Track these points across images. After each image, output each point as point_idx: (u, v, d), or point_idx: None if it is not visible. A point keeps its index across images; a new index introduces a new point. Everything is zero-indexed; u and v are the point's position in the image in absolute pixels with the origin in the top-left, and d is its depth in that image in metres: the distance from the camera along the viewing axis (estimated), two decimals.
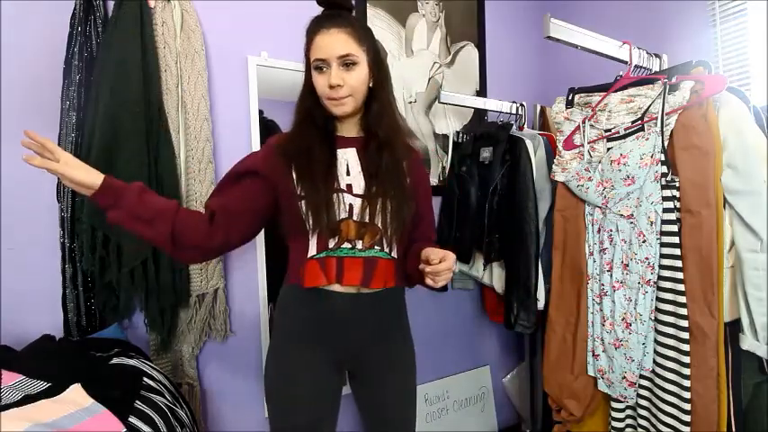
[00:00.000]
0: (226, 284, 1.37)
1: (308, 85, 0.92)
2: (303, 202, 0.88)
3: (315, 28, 0.91)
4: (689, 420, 1.03)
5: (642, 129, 1.13)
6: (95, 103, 1.14)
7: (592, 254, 1.25)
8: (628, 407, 1.22)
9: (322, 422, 0.94)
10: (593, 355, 1.24)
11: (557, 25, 1.09)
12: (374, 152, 0.93)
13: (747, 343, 1.01)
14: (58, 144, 1.16)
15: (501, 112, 1.70)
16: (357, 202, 0.90)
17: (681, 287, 1.05)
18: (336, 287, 0.90)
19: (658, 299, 1.10)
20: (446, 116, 1.86)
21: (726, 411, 1.01)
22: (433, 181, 1.81)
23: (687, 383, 1.03)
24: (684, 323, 1.04)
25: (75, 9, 1.17)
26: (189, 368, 1.31)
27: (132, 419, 0.87)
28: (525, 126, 1.70)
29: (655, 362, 1.11)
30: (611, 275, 1.18)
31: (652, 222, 1.09)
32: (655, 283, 1.10)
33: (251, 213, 0.93)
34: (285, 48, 1.49)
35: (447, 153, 1.80)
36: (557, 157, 1.34)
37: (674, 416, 1.06)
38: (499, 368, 2.02)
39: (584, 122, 1.25)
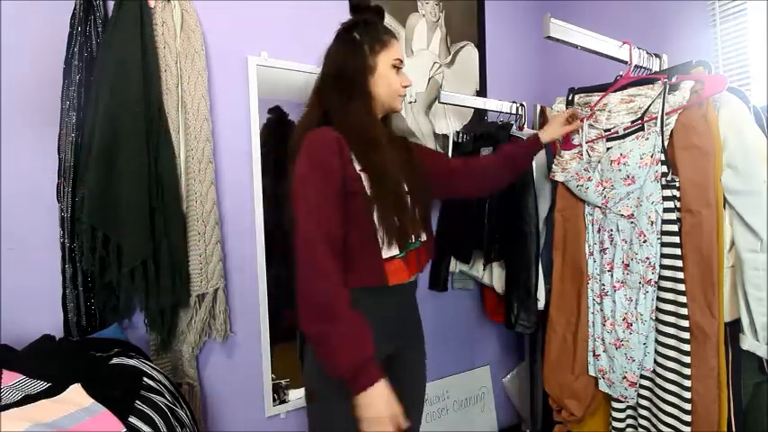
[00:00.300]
0: (226, 284, 1.37)
1: (365, 79, 0.98)
2: (379, 204, 0.90)
3: (390, 32, 1.03)
4: (689, 420, 1.03)
5: (642, 129, 1.13)
6: (95, 103, 1.14)
7: (592, 254, 1.25)
8: (628, 407, 1.22)
9: None
10: (593, 355, 1.24)
11: (557, 25, 1.09)
12: (402, 147, 1.06)
13: (747, 343, 1.01)
14: (58, 144, 1.16)
15: (501, 112, 1.70)
16: (408, 198, 0.98)
17: (681, 287, 1.05)
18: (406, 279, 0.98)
19: (659, 298, 1.10)
20: (446, 116, 1.86)
21: (726, 411, 1.01)
22: None
23: (688, 383, 1.03)
24: (685, 323, 1.04)
25: (75, 9, 1.17)
26: (189, 368, 1.31)
27: (132, 419, 0.87)
28: (525, 126, 1.70)
29: (655, 362, 1.11)
30: (612, 275, 1.18)
31: (653, 222, 1.09)
32: (656, 282, 1.10)
33: None
34: (285, 48, 1.49)
35: (447, 153, 1.80)
36: (556, 157, 1.34)
37: (675, 416, 1.06)
38: (499, 368, 2.02)
39: (582, 121, 1.25)
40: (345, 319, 0.81)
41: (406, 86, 1.03)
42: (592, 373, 1.25)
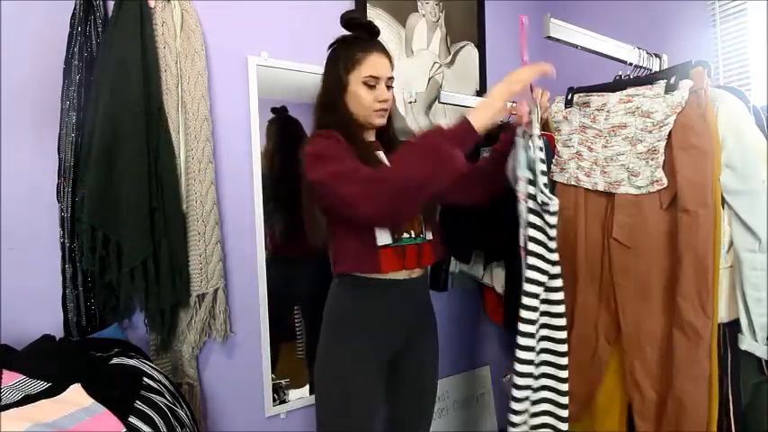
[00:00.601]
0: (226, 284, 1.37)
1: (340, 96, 1.04)
2: None
3: (367, 48, 1.04)
4: (566, 416, 1.07)
5: (641, 128, 1.13)
6: (95, 103, 1.14)
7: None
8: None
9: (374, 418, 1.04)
10: None
11: (557, 25, 1.09)
12: (389, 151, 1.06)
13: (746, 343, 1.01)
14: (58, 144, 1.16)
15: None
16: None
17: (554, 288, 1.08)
18: (402, 274, 1.03)
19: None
20: (446, 116, 1.86)
21: (716, 412, 1.01)
22: None
23: (564, 374, 1.07)
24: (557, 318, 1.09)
25: (75, 9, 1.18)
26: (189, 368, 1.31)
27: (132, 419, 0.87)
28: None
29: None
30: None
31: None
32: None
33: None
34: (285, 48, 1.49)
35: None
36: (555, 157, 1.34)
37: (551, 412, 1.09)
38: (499, 368, 2.02)
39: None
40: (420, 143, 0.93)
41: (381, 101, 1.04)
42: None
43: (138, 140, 1.17)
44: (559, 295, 1.07)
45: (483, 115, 0.97)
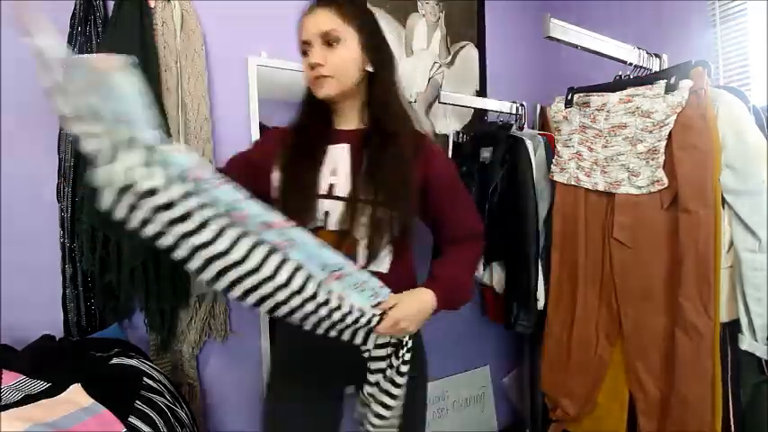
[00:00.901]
0: None
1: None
2: (279, 207, 0.75)
3: (304, 14, 0.85)
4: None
5: (641, 128, 1.13)
6: None
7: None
8: None
9: None
10: None
11: (557, 25, 1.09)
12: (377, 147, 0.83)
13: (746, 343, 1.01)
14: (58, 144, 1.16)
15: (501, 112, 1.70)
16: (336, 209, 0.81)
17: None
18: None
19: None
20: (446, 116, 1.86)
21: (719, 411, 1.01)
22: None
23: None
24: None
25: (75, 9, 1.17)
26: (189, 368, 1.31)
27: (132, 419, 0.87)
28: (525, 126, 1.70)
29: None
30: None
31: None
32: None
33: None
34: (285, 48, 1.49)
35: (447, 153, 1.80)
36: (555, 157, 1.34)
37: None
38: (499, 368, 2.02)
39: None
40: None
41: (311, 66, 0.82)
42: None
43: None
44: None
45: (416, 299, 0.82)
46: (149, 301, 1.19)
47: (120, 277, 1.15)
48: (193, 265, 0.67)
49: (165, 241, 0.66)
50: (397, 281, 0.83)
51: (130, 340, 1.22)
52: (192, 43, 1.29)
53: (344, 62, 0.82)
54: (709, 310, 1.01)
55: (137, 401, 0.92)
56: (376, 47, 0.86)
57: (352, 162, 0.84)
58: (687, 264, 1.04)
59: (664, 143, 1.08)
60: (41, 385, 0.88)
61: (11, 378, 0.88)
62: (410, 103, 1.76)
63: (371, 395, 0.83)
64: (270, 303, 0.70)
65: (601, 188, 1.22)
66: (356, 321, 0.75)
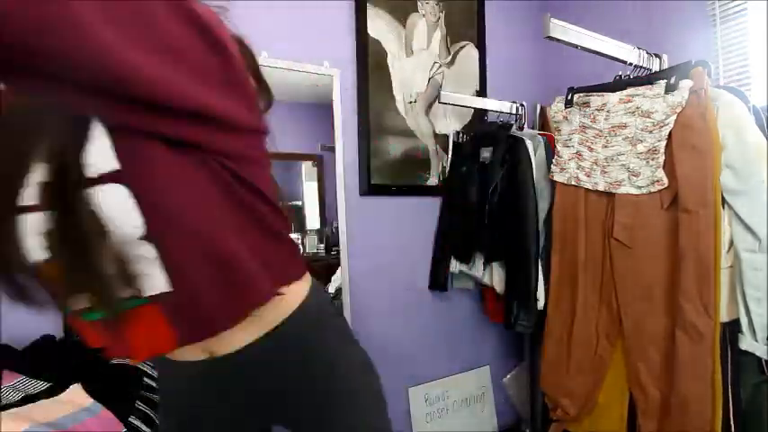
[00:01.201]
0: None
1: None
2: None
3: None
4: None
5: (641, 128, 1.13)
6: None
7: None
8: None
9: None
10: None
11: (556, 25, 1.09)
12: None
13: (746, 343, 1.01)
14: None
15: (501, 112, 1.70)
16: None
17: None
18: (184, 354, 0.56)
19: None
20: (446, 116, 1.86)
21: (720, 412, 1.01)
22: (433, 181, 1.81)
23: None
24: None
25: None
26: None
27: (132, 419, 0.87)
28: (525, 126, 1.70)
29: None
30: None
31: None
32: None
33: None
34: (285, 48, 1.49)
35: (447, 153, 1.80)
36: (555, 157, 1.34)
37: None
38: (499, 368, 2.02)
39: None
40: None
41: None
42: None
43: None
44: None
45: None
46: None
47: None
48: None
49: None
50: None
51: None
52: None
53: None
54: (710, 310, 1.01)
55: (137, 401, 0.92)
56: None
57: None
58: (687, 264, 1.04)
59: (664, 143, 1.08)
60: (41, 385, 0.88)
61: (11, 378, 0.88)
62: (410, 103, 1.76)
63: None
64: None
65: (601, 188, 1.22)
66: None
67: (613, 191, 1.19)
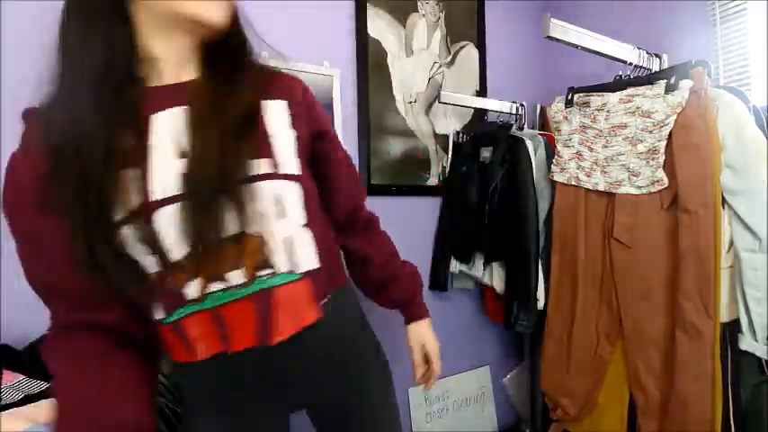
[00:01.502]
0: None
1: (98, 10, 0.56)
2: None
3: None
4: None
5: (642, 128, 1.13)
6: None
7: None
8: None
9: None
10: None
11: (556, 25, 1.09)
12: (224, 97, 0.56)
13: (746, 343, 1.01)
14: None
15: (501, 112, 1.70)
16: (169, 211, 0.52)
17: None
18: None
19: None
20: (446, 116, 1.86)
21: (719, 412, 1.01)
22: (433, 181, 1.81)
23: None
24: None
25: None
26: None
27: None
28: (525, 126, 1.70)
29: None
30: None
31: None
32: None
33: None
34: (285, 48, 1.49)
35: (447, 153, 1.80)
36: (555, 157, 1.34)
37: None
38: (499, 368, 2.02)
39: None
40: None
41: None
42: None
43: None
44: None
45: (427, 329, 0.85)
46: None
47: None
48: None
49: None
50: (333, 273, 0.69)
51: None
52: None
53: None
54: (710, 310, 1.01)
55: None
56: None
57: (193, 128, 0.58)
58: (687, 263, 1.04)
59: (664, 143, 1.08)
60: (41, 385, 0.88)
61: (11, 378, 0.88)
62: (410, 103, 1.76)
63: None
64: None
65: (601, 188, 1.22)
66: None
67: (613, 191, 1.19)
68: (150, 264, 0.53)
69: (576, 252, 1.29)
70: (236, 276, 0.55)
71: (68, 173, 0.49)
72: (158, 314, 0.57)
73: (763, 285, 0.97)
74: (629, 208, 1.16)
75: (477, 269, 1.65)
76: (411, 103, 1.76)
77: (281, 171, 0.57)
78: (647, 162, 1.11)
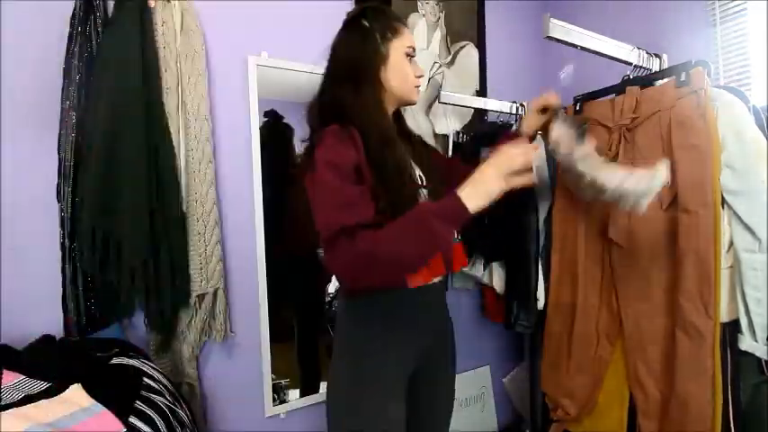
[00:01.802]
0: (226, 284, 1.37)
1: (376, 75, 0.91)
2: (391, 200, 0.83)
3: (399, 20, 0.97)
4: None
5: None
6: (95, 102, 1.14)
7: None
8: None
9: None
10: None
11: (556, 25, 1.08)
12: (419, 143, 1.04)
13: (746, 343, 1.01)
14: (58, 144, 1.16)
15: (501, 112, 1.70)
16: (425, 196, 0.94)
17: None
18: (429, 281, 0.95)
19: None
20: (446, 116, 1.86)
21: (719, 412, 1.01)
22: None
23: None
24: None
25: (75, 9, 1.17)
26: (189, 368, 1.31)
27: (132, 419, 0.87)
28: None
29: None
30: None
31: None
32: None
33: None
34: (285, 48, 1.49)
35: (447, 153, 1.80)
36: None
37: None
38: (499, 368, 2.02)
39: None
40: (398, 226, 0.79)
41: (419, 77, 0.97)
42: None
43: (138, 140, 1.17)
44: None
45: (477, 199, 0.86)
46: (149, 301, 1.20)
47: (121, 277, 1.15)
48: None
49: None
50: (460, 248, 1.02)
51: (130, 340, 1.22)
52: (192, 43, 1.29)
53: None
54: (710, 310, 1.00)
55: (137, 401, 0.92)
56: None
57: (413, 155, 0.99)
58: (687, 264, 1.04)
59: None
60: (41, 385, 0.88)
61: (11, 378, 0.88)
62: None
63: None
64: None
65: None
66: None
67: None
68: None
69: (576, 252, 1.29)
70: None
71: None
72: None
73: (762, 285, 0.97)
74: None
75: (477, 269, 1.65)
76: None
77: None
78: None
